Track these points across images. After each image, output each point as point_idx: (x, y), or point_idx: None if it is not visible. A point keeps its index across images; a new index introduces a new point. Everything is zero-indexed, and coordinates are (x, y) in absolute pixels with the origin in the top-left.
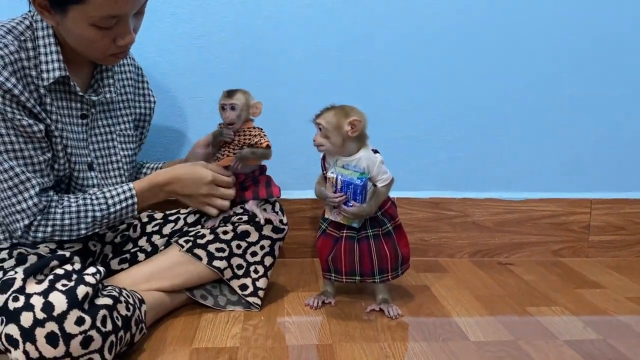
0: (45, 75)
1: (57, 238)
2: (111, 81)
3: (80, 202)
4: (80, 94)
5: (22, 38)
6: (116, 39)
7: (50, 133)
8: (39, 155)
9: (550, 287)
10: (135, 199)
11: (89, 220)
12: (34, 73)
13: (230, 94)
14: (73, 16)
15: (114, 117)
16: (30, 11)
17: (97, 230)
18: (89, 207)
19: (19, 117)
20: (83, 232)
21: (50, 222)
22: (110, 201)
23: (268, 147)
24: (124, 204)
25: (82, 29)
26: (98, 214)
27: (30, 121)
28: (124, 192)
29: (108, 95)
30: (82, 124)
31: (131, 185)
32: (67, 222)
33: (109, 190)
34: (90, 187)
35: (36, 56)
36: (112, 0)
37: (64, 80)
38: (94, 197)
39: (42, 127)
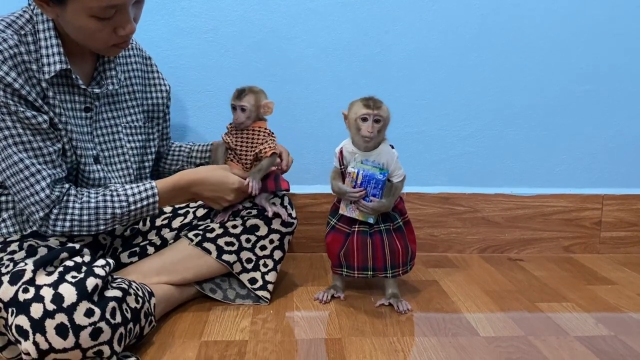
0: (46, 68)
1: (76, 232)
2: (113, 73)
3: (100, 198)
4: (83, 87)
5: (22, 32)
6: (116, 29)
7: (55, 125)
8: (48, 147)
9: (561, 283)
10: (157, 198)
11: (108, 216)
12: (34, 67)
13: (240, 95)
14: (72, 8)
15: (120, 110)
16: (30, 5)
17: (116, 226)
18: (109, 204)
19: (22, 109)
20: (102, 227)
21: (68, 217)
22: (131, 198)
23: (274, 154)
24: (144, 202)
25: (81, 20)
26: (118, 210)
27: (34, 112)
28: (145, 190)
29: (110, 87)
30: (86, 117)
31: (154, 183)
32: (85, 217)
33: (131, 187)
34: (97, 180)
35: (37, 50)
36: None
37: (66, 74)
38: (114, 193)
39: (46, 117)
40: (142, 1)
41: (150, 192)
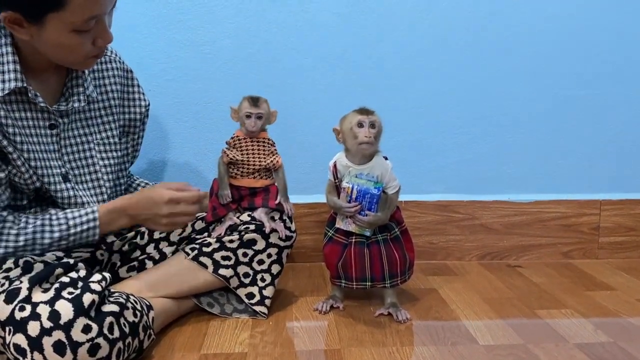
0: (0, 86)
1: (9, 258)
2: (81, 89)
3: (38, 222)
4: (42, 104)
5: None
6: (95, 40)
7: (4, 149)
8: None
9: (560, 289)
10: (97, 222)
11: (46, 241)
12: None
13: (256, 103)
14: (52, 26)
15: (93, 126)
16: None
17: (53, 251)
18: (47, 228)
19: None
20: (38, 252)
21: (2, 244)
22: (71, 222)
23: (281, 166)
24: (84, 227)
25: (62, 37)
26: (56, 234)
27: None
28: (86, 214)
29: (77, 105)
30: (52, 135)
31: (95, 207)
32: (21, 243)
33: (72, 211)
34: (67, 198)
35: None
36: (91, 1)
37: (23, 91)
38: (54, 217)
39: None
40: (113, 8)
41: (91, 217)
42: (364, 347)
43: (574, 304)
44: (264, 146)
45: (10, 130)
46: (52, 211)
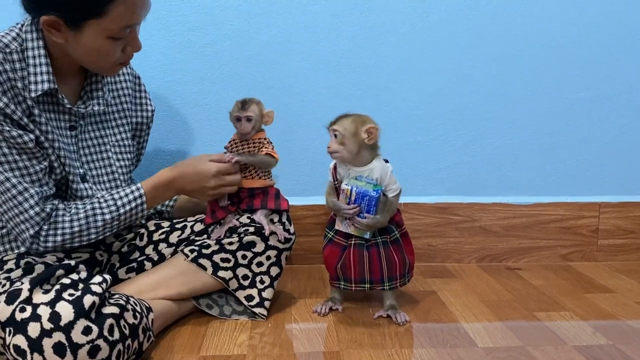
0: (33, 87)
1: (68, 246)
2: (100, 93)
3: (88, 207)
4: (68, 106)
5: (7, 50)
6: (125, 48)
7: (41, 144)
8: (34, 165)
9: (559, 291)
10: (144, 199)
11: (99, 224)
12: (20, 85)
13: (244, 105)
14: (90, 31)
15: (109, 128)
16: (18, 23)
17: (107, 234)
18: (98, 211)
19: (7, 128)
20: (93, 237)
21: (59, 232)
22: (119, 202)
23: (268, 154)
24: (132, 204)
25: (98, 42)
26: (107, 216)
27: (20, 132)
28: (132, 192)
29: (96, 108)
30: (71, 136)
31: (139, 184)
32: (76, 229)
33: (117, 192)
34: (85, 197)
35: (23, 68)
36: (130, 11)
37: (52, 92)
38: (102, 200)
39: (32, 137)
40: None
41: (137, 194)
42: (363, 349)
43: (572, 307)
44: (259, 147)
45: (44, 128)
46: (99, 195)
